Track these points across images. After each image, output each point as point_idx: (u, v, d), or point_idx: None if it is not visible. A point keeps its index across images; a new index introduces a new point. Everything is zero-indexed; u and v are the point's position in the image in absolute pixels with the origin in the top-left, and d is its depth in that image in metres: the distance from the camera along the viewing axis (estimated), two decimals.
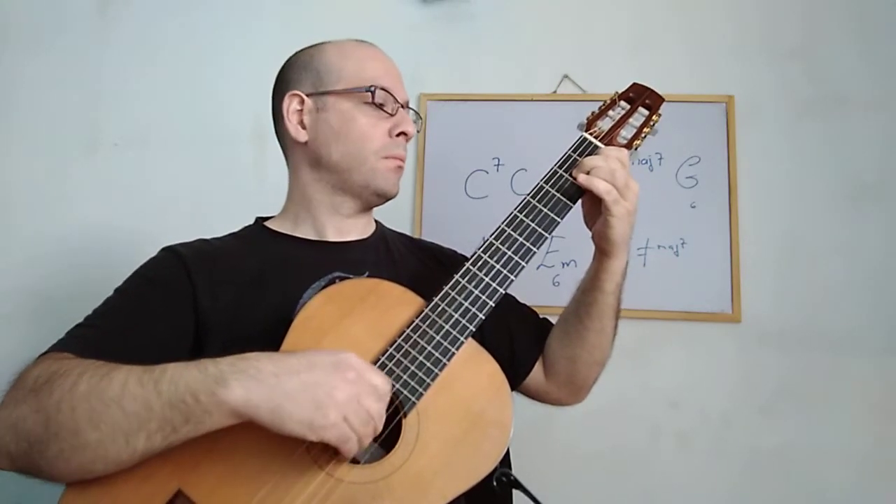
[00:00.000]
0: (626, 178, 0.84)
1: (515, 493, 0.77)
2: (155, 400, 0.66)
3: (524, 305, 1.08)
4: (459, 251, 1.08)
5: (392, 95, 0.94)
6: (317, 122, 0.93)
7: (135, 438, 0.66)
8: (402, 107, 0.96)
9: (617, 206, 0.83)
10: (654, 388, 1.50)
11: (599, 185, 0.83)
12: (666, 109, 0.96)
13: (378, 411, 0.68)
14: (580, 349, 0.97)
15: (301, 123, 0.94)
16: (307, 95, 0.94)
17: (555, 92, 1.60)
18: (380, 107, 0.92)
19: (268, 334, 0.78)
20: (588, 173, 0.84)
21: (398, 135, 0.94)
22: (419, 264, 1.02)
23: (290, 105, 0.94)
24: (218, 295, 0.86)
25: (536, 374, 1.02)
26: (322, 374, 0.67)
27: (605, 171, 0.83)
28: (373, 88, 0.92)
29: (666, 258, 1.53)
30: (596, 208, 0.86)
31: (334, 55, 0.95)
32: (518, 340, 1.01)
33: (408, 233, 1.35)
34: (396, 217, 1.39)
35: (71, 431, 0.66)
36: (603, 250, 0.90)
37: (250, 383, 0.65)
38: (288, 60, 0.99)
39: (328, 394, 0.66)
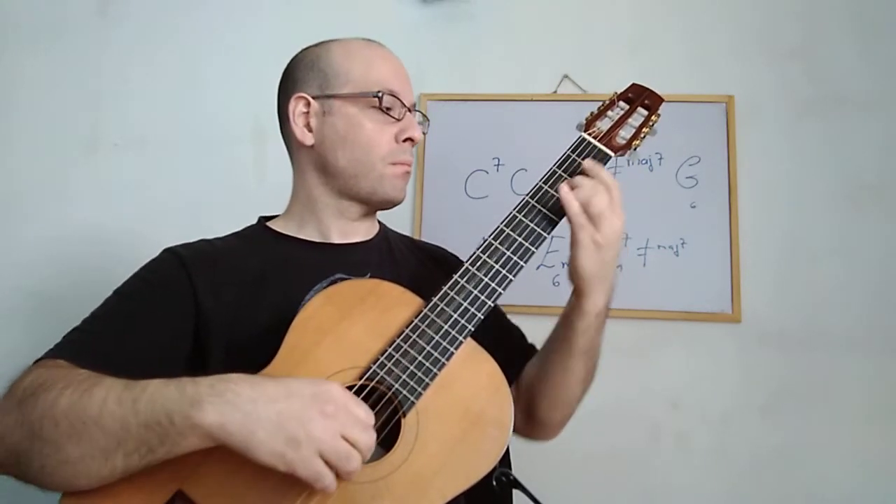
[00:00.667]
0: (603, 206, 0.78)
1: (515, 493, 0.77)
2: (132, 420, 0.65)
3: (514, 326, 1.06)
4: (460, 251, 1.07)
5: (399, 100, 0.92)
6: (323, 126, 0.92)
7: (113, 457, 0.65)
8: (409, 110, 0.94)
9: (582, 231, 0.78)
10: (654, 389, 1.50)
11: (572, 206, 0.78)
12: (666, 109, 0.95)
13: (366, 443, 0.65)
14: (543, 382, 0.92)
15: (307, 126, 0.92)
16: (313, 98, 0.92)
17: (555, 92, 1.60)
18: (387, 111, 0.91)
19: (269, 335, 0.78)
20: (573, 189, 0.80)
21: (405, 140, 0.93)
22: (419, 265, 1.01)
23: (297, 108, 0.93)
24: (220, 295, 0.85)
25: None
26: (300, 405, 0.64)
27: (584, 193, 0.78)
28: (380, 94, 0.90)
29: (666, 258, 1.53)
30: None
31: (341, 56, 0.93)
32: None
33: (408, 233, 1.35)
34: (396, 217, 1.37)
35: (53, 447, 0.66)
36: (574, 284, 0.84)
37: (226, 408, 0.63)
38: (294, 58, 0.97)
39: (302, 426, 0.63)
